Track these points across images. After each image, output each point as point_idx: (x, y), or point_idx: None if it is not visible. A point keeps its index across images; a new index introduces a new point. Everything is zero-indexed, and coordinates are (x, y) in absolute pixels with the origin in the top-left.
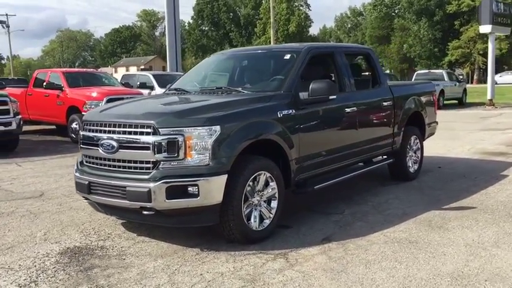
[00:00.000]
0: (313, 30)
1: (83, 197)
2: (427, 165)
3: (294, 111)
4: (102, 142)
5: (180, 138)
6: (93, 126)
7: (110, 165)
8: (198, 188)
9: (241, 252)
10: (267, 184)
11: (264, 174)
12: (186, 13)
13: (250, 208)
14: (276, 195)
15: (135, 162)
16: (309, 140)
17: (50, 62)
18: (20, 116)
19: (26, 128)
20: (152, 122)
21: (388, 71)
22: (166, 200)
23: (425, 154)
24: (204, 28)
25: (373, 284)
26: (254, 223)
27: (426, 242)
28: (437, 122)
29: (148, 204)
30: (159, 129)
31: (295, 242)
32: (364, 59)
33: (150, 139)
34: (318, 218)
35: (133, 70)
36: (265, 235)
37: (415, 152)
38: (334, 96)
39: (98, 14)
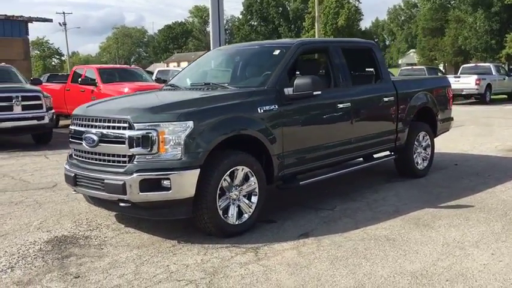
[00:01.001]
0: (365, 24)
1: (72, 188)
2: (444, 162)
3: (276, 106)
4: (85, 136)
5: (154, 133)
6: (79, 120)
7: (91, 158)
8: (170, 182)
9: (215, 245)
10: (247, 179)
11: (243, 169)
12: (236, 8)
13: (228, 202)
14: (257, 190)
15: (113, 155)
16: (295, 135)
17: (106, 58)
18: (53, 111)
19: (64, 122)
20: (128, 117)
21: (441, 66)
22: (140, 193)
23: (447, 151)
24: (253, 23)
25: (329, 280)
26: (232, 217)
27: (404, 240)
28: (452, 118)
29: (124, 197)
30: (134, 124)
31: (272, 236)
32: (367, 54)
33: (126, 134)
34: (306, 214)
35: (184, 65)
36: (243, 229)
37: (424, 149)
38: (319, 92)
39: (153, 11)
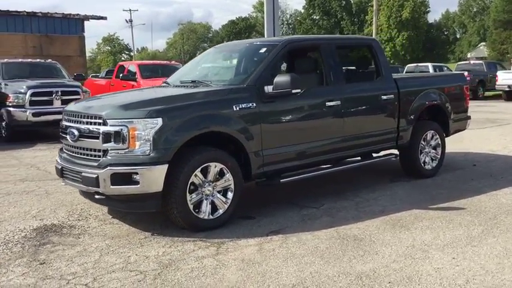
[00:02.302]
0: (434, 16)
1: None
2: (464, 162)
3: (254, 104)
4: (68, 131)
5: (125, 129)
6: (66, 116)
7: (74, 152)
8: (139, 176)
9: (184, 239)
10: (222, 175)
11: (215, 165)
12: (300, 3)
13: (200, 197)
14: (232, 186)
15: (90, 150)
16: (275, 133)
17: (172, 54)
18: None
19: None
20: (102, 113)
21: None
22: (112, 186)
23: (475, 150)
24: (315, 17)
25: (273, 277)
26: (204, 212)
27: (371, 241)
28: (469, 117)
29: (98, 189)
30: (107, 121)
31: (243, 232)
32: (367, 51)
33: (100, 129)
34: (288, 211)
35: None
36: (217, 224)
37: (434, 148)
38: (298, 90)
39: (220, 6)
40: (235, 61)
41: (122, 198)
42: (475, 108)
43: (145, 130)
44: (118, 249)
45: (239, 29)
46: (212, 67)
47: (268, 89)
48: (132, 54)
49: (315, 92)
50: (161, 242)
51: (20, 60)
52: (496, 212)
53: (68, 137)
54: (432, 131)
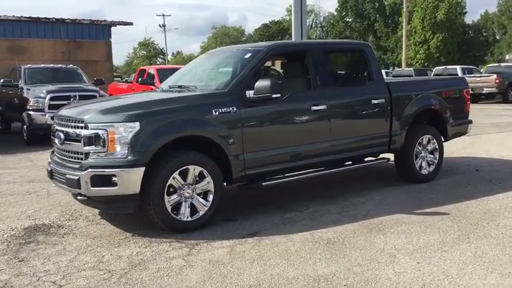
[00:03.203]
0: (473, 17)
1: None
2: (467, 167)
3: (235, 109)
4: (56, 134)
5: (104, 133)
6: (57, 120)
7: (61, 154)
8: (117, 178)
9: (162, 240)
10: (202, 178)
11: (194, 168)
12: (334, 6)
13: (179, 199)
14: (212, 189)
15: (74, 153)
16: (257, 137)
17: None
18: None
19: None
20: (84, 117)
21: None
22: (92, 188)
23: (483, 155)
24: (347, 20)
25: (234, 277)
26: (183, 214)
27: (343, 244)
28: (470, 121)
29: (79, 191)
30: (88, 124)
31: (220, 234)
32: (358, 56)
33: (82, 133)
34: (272, 214)
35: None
36: (196, 225)
37: (431, 153)
38: (278, 95)
39: (256, 10)
40: (222, 66)
41: (102, 199)
42: (501, 111)
43: (123, 134)
44: (95, 249)
45: (272, 32)
46: (200, 72)
47: (250, 93)
48: (167, 58)
49: (300, 97)
50: (139, 243)
51: (42, 65)
52: (480, 218)
53: (56, 140)
54: (429, 136)
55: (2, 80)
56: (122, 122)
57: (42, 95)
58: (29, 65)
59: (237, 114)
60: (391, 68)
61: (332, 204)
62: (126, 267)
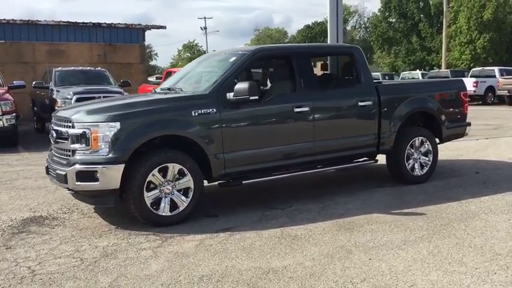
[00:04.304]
0: None
1: None
2: (467, 169)
3: (215, 110)
4: (51, 133)
5: (88, 132)
6: (53, 119)
7: (54, 152)
8: (99, 174)
9: (140, 232)
10: (182, 175)
11: (174, 166)
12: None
13: (159, 195)
14: (192, 185)
15: (63, 150)
16: (237, 137)
17: None
18: None
19: None
20: (72, 117)
21: None
22: (77, 183)
23: (491, 158)
24: (391, 20)
25: (191, 268)
26: (163, 209)
27: (307, 240)
28: (468, 124)
29: (67, 185)
30: (75, 124)
31: (196, 228)
32: (347, 59)
33: (69, 132)
34: (254, 211)
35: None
36: (177, 220)
37: (425, 155)
38: (256, 97)
39: (300, 11)
40: (210, 69)
41: (87, 193)
42: None
43: (105, 133)
44: (78, 239)
45: (314, 33)
46: (193, 75)
47: (230, 95)
48: None
49: (284, 98)
50: (118, 235)
51: (72, 68)
52: (454, 219)
53: (50, 138)
54: (421, 137)
55: (34, 82)
56: (104, 121)
57: (69, 96)
58: (59, 68)
59: (217, 115)
60: (435, 69)
61: (315, 203)
62: (98, 256)
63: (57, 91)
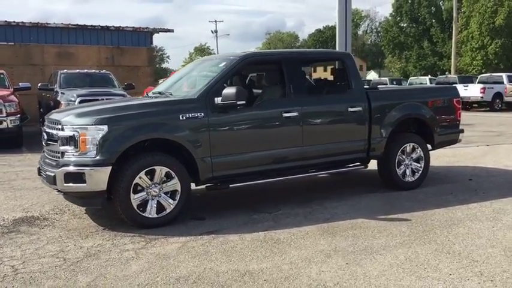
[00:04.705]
0: None
1: None
2: (461, 176)
3: (203, 114)
4: (43, 135)
5: (77, 134)
6: (46, 121)
7: (45, 153)
8: (86, 176)
9: (126, 234)
10: (170, 178)
11: (161, 168)
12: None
13: (145, 197)
14: (179, 188)
15: (53, 152)
16: (226, 141)
17: None
18: None
19: None
20: (61, 120)
21: None
22: (65, 184)
23: (489, 165)
24: (402, 25)
25: (169, 269)
26: (149, 211)
27: (288, 244)
28: (461, 130)
29: (56, 187)
30: (64, 127)
31: (182, 231)
32: (338, 65)
33: (58, 134)
34: (241, 214)
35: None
36: (162, 222)
37: (416, 161)
38: (243, 102)
39: (313, 15)
40: (201, 74)
41: (76, 195)
42: None
43: (93, 135)
44: (64, 240)
45: (325, 37)
46: (182, 79)
47: (218, 100)
48: None
49: (272, 104)
50: (105, 236)
51: (77, 70)
52: (438, 225)
53: (42, 140)
54: (413, 144)
55: (40, 84)
56: (92, 124)
57: (72, 99)
58: (65, 70)
59: (205, 120)
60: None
61: (304, 207)
62: (81, 256)
63: (62, 93)
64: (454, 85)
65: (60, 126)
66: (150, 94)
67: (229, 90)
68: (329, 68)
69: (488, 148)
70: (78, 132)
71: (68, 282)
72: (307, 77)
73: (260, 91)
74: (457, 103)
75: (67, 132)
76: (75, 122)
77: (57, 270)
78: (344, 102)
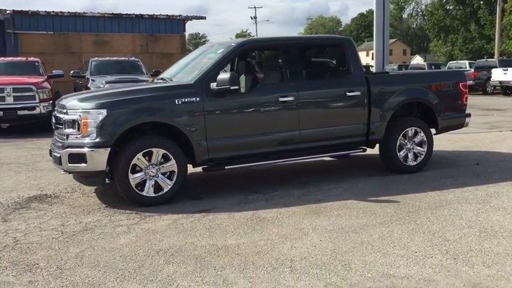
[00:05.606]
0: None
1: None
2: (469, 161)
3: (198, 99)
4: (52, 119)
5: (79, 118)
6: (56, 106)
7: (56, 136)
8: (87, 157)
9: (124, 211)
10: (167, 159)
11: (158, 150)
12: None
13: (144, 177)
14: (176, 169)
15: (61, 134)
16: (221, 125)
17: None
18: None
19: None
20: (66, 104)
21: None
22: (69, 164)
23: (503, 150)
24: (448, 7)
25: (154, 243)
26: (147, 190)
27: (272, 222)
28: (468, 115)
29: (62, 167)
30: (68, 111)
31: (177, 209)
32: (338, 50)
33: (64, 117)
34: (238, 195)
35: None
36: (160, 201)
37: (419, 145)
38: (236, 87)
39: None
40: (199, 60)
41: (80, 174)
42: None
43: (93, 119)
44: (68, 215)
45: (368, 21)
46: (185, 65)
47: (213, 85)
48: None
49: (269, 88)
50: (105, 212)
51: (107, 58)
52: (424, 207)
53: (52, 124)
54: (415, 128)
55: (72, 71)
56: (92, 108)
57: (101, 85)
58: (96, 58)
59: (200, 104)
60: (486, 58)
61: (299, 189)
62: (78, 230)
63: (92, 80)
64: (461, 69)
65: (65, 111)
66: (155, 80)
67: (223, 76)
68: (330, 53)
69: (510, 133)
70: (80, 116)
71: (59, 252)
72: (307, 62)
73: (260, 76)
74: (463, 87)
75: (71, 116)
76: (78, 106)
77: (52, 242)
78: (342, 87)
